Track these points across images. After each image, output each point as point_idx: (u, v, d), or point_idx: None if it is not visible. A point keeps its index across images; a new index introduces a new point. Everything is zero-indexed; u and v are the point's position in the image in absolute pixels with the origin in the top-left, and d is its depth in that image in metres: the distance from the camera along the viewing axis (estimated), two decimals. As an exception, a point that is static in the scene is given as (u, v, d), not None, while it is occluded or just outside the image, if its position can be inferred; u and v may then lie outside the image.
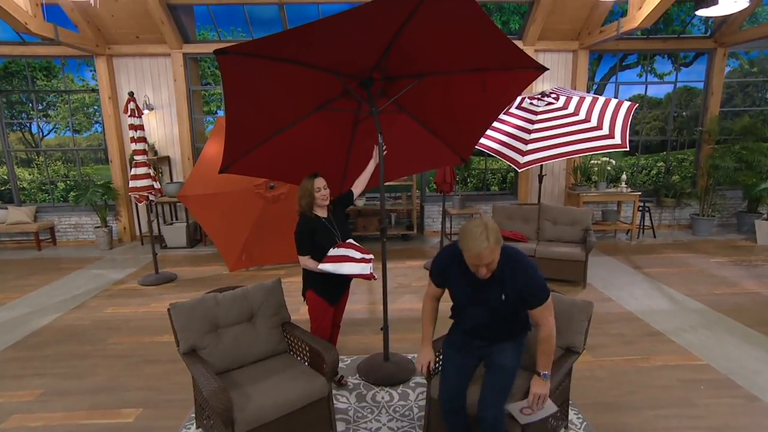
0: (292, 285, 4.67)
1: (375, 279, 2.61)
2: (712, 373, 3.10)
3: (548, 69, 2.79)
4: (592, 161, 7.08)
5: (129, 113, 4.81)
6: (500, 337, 2.16)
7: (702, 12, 4.87)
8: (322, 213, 2.75)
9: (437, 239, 6.95)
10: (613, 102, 4.88)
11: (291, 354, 2.67)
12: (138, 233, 7.32)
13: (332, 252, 2.61)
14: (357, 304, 4.47)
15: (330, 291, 2.72)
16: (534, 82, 7.04)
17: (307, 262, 2.64)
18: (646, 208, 7.12)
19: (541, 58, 7.08)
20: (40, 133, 12.19)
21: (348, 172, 3.68)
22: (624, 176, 7.00)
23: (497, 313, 2.07)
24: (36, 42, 6.56)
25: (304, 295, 2.75)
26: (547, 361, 2.03)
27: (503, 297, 2.00)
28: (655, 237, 7.00)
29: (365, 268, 2.57)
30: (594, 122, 4.72)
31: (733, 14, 6.50)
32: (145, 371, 3.25)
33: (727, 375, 3.06)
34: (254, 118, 2.76)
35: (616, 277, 5.14)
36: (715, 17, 6.92)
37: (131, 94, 4.85)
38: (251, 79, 2.44)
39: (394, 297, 4.64)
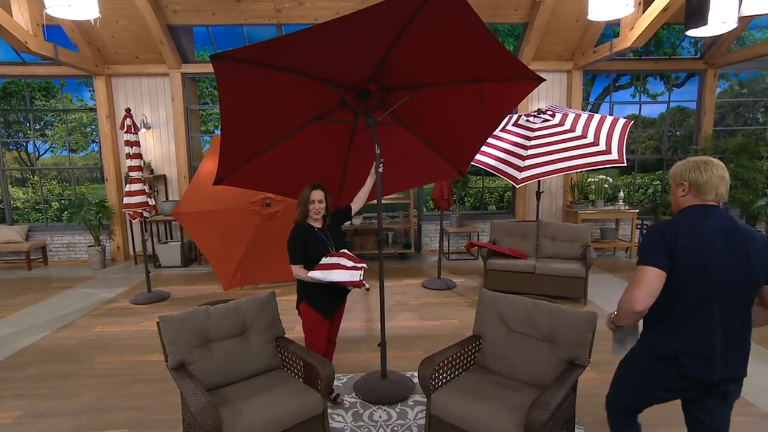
0: (288, 303, 4.54)
1: (366, 288, 2.53)
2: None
3: (545, 80, 2.81)
4: (589, 179, 7.10)
5: (125, 129, 4.80)
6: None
7: (692, 32, 4.97)
8: (316, 223, 2.70)
9: (435, 258, 6.88)
10: (609, 119, 4.92)
11: (285, 370, 2.57)
12: (132, 253, 7.21)
13: (324, 260, 2.56)
14: (354, 322, 4.37)
15: (324, 303, 2.64)
16: (530, 101, 7.18)
17: (298, 271, 2.58)
18: (645, 226, 7.10)
19: (538, 85, 7.17)
20: (36, 153, 12.21)
21: (345, 185, 3.65)
22: (621, 194, 7.01)
23: None
24: (35, 62, 6.62)
25: (298, 307, 2.67)
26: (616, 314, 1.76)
27: None
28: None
29: (355, 275, 2.50)
30: (591, 138, 4.75)
31: (722, 36, 6.65)
32: (132, 391, 3.12)
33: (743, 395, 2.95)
34: (250, 127, 2.74)
35: (617, 294, 4.97)
36: (705, 39, 7.08)
37: (128, 110, 4.86)
38: (248, 87, 2.43)
39: (391, 315, 4.55)
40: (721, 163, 1.69)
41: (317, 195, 2.66)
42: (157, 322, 2.28)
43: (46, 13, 4.21)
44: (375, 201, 3.04)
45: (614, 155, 4.55)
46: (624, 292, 1.70)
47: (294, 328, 3.87)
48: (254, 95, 2.51)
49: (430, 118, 3.25)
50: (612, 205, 7.10)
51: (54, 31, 6.12)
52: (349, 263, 2.58)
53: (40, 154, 12.79)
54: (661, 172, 7.96)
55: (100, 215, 6.76)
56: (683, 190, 1.72)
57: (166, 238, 7.26)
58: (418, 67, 2.78)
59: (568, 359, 2.30)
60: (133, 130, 4.84)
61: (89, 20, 5.32)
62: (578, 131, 4.85)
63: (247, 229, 5.04)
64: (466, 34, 2.38)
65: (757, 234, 1.66)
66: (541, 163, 4.70)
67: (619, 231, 7.28)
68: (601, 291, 5.21)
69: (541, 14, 6.21)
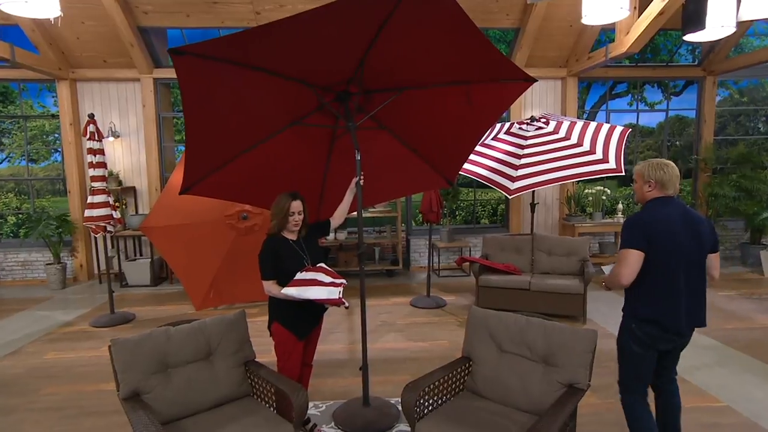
0: (264, 324, 4.43)
1: (346, 306, 2.44)
2: (734, 416, 2.94)
3: (537, 80, 2.78)
4: (586, 191, 7.12)
5: (88, 136, 4.69)
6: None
7: (689, 37, 5.05)
8: (291, 236, 2.61)
9: (424, 275, 6.80)
10: (606, 126, 4.93)
11: (254, 397, 2.44)
12: (96, 271, 7.01)
13: (299, 275, 2.46)
14: (335, 344, 4.26)
15: (298, 323, 2.54)
16: (522, 108, 7.23)
17: (270, 287, 2.48)
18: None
19: (529, 86, 7.24)
20: (-9, 162, 11.84)
21: (325, 194, 3.57)
22: (620, 206, 7.03)
23: None
24: (-8, 65, 6.50)
25: (269, 328, 2.57)
26: (606, 277, 2.36)
27: None
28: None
29: (333, 292, 2.40)
30: (587, 146, 4.75)
31: (720, 42, 6.80)
32: (83, 426, 2.95)
33: (751, 418, 2.90)
34: (218, 131, 2.66)
35: (618, 312, 4.97)
36: (703, 46, 7.23)
37: (91, 116, 4.75)
38: (214, 87, 2.35)
39: (377, 335, 4.45)
40: (674, 164, 2.30)
41: (297, 206, 2.58)
42: (109, 346, 2.15)
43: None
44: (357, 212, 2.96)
45: (612, 164, 4.55)
46: (611, 270, 2.30)
47: (270, 351, 3.72)
48: (222, 96, 2.43)
49: (415, 123, 3.21)
50: (610, 217, 7.12)
51: (12, 31, 6.02)
52: (328, 279, 2.49)
53: (-4, 164, 12.47)
54: (661, 183, 8.01)
55: (60, 230, 6.57)
56: (650, 186, 2.31)
57: (135, 255, 7.08)
58: (400, 68, 2.74)
59: (567, 383, 2.22)
60: (96, 137, 4.73)
61: (52, 21, 5.26)
62: (574, 139, 4.85)
63: (221, 245, 4.93)
64: (451, 31, 2.34)
65: (703, 218, 2.28)
66: (535, 172, 4.69)
67: (618, 245, 7.27)
68: (601, 308, 5.16)
69: (533, 19, 6.30)
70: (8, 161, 12.62)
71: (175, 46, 1.98)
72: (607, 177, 6.92)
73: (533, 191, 4.97)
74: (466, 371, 2.49)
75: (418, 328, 4.67)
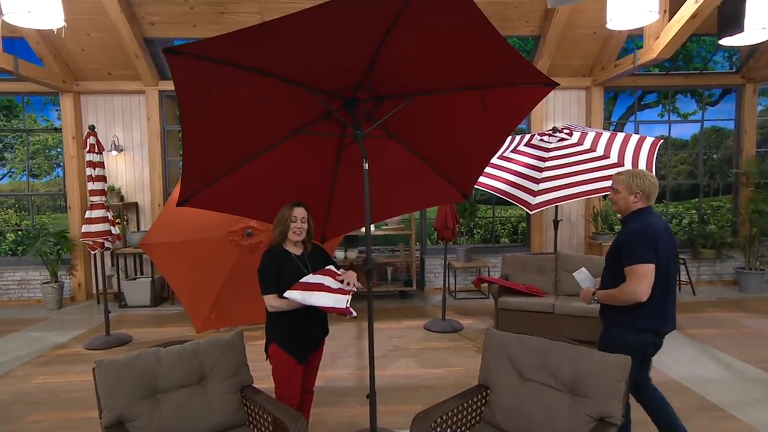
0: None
1: (354, 316, 2.35)
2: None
3: (558, 84, 2.71)
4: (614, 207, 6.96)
5: (88, 149, 4.75)
6: (604, 310, 2.59)
7: (726, 41, 4.96)
8: (294, 249, 2.56)
9: (439, 297, 6.68)
10: (635, 137, 4.84)
11: (250, 427, 2.36)
12: (95, 290, 7.04)
13: (305, 278, 2.41)
14: (343, 369, 4.18)
15: (296, 344, 2.47)
16: (544, 120, 7.17)
17: (272, 301, 2.43)
18: (681, 261, 6.90)
19: (551, 97, 7.21)
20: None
21: (333, 210, 3.54)
22: (652, 224, 6.84)
23: (606, 266, 2.61)
24: (-5, 78, 6.71)
25: (267, 350, 2.49)
26: (604, 295, 2.52)
27: (612, 243, 2.52)
28: (694, 294, 6.73)
29: (340, 300, 2.31)
30: (614, 158, 4.66)
31: (760, 47, 6.66)
32: (69, 455, 2.89)
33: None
34: (218, 140, 2.64)
35: None
36: (741, 50, 7.11)
37: (92, 127, 4.83)
38: (214, 91, 2.34)
39: (387, 361, 4.36)
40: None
41: (300, 212, 2.56)
42: (93, 369, 2.10)
43: (3, 21, 4.24)
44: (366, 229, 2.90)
45: (642, 177, 4.44)
46: (625, 287, 2.36)
47: (271, 376, 3.65)
48: (222, 101, 2.42)
49: (428, 132, 3.16)
50: (642, 236, 6.92)
51: (19, 44, 6.22)
52: (336, 285, 2.43)
53: (-3, 179, 12.78)
54: (697, 200, 7.82)
55: (59, 247, 6.64)
56: (636, 197, 2.47)
57: (136, 274, 7.11)
58: (411, 72, 2.71)
59: (597, 416, 2.09)
60: (96, 150, 4.79)
61: (55, 31, 5.41)
62: (600, 151, 4.77)
63: (224, 263, 4.91)
64: (464, 30, 2.31)
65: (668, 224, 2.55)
66: (558, 186, 4.61)
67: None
68: None
69: (554, 26, 6.28)
70: (10, 176, 12.97)
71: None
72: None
73: (556, 207, 4.88)
74: (483, 401, 2.38)
75: (432, 353, 4.58)
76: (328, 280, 2.41)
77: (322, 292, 2.34)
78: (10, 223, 11.00)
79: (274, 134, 2.91)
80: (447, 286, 5.55)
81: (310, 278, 2.43)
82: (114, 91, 6.99)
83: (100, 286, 6.92)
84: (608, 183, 4.47)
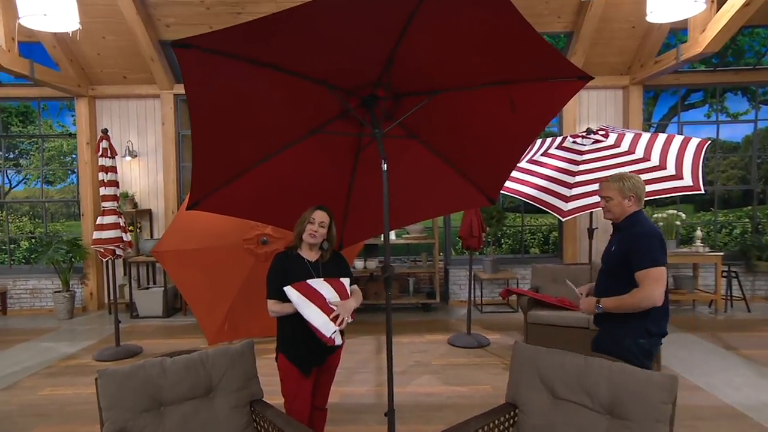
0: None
1: (334, 344, 2.43)
2: None
3: (593, 78, 2.63)
4: (655, 215, 6.78)
5: (100, 152, 4.86)
6: (603, 319, 2.61)
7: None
8: (309, 255, 2.55)
9: (464, 310, 6.59)
10: (678, 138, 4.71)
11: (258, 445, 2.32)
12: (107, 300, 7.18)
13: (311, 281, 2.43)
14: (361, 385, 4.16)
15: (300, 355, 2.46)
16: (577, 122, 7.03)
17: (272, 306, 2.47)
18: (733, 274, 6.64)
19: (585, 97, 7.09)
20: (8, 184, 12.51)
21: (350, 215, 3.51)
22: (699, 233, 6.62)
23: (606, 273, 2.63)
24: (12, 83, 6.96)
25: (277, 359, 2.47)
26: (612, 302, 2.47)
27: (613, 248, 2.55)
28: (749, 310, 6.47)
29: (328, 328, 2.35)
30: (655, 161, 4.54)
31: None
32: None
33: None
34: (230, 140, 2.65)
35: (702, 360, 4.67)
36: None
37: (105, 131, 4.94)
38: (225, 88, 2.34)
39: (408, 377, 4.33)
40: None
41: (320, 216, 2.56)
42: (96, 378, 2.10)
43: (19, 24, 4.40)
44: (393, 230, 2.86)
45: (688, 181, 4.31)
46: (640, 292, 2.38)
47: (284, 392, 3.64)
48: (233, 98, 2.43)
49: (451, 131, 3.11)
50: (687, 247, 6.72)
51: (36, 48, 6.45)
52: (333, 307, 2.44)
53: (12, 186, 13.25)
54: (750, 207, 7.53)
55: (71, 255, 6.80)
56: (629, 201, 2.54)
57: (148, 283, 7.22)
58: (432, 67, 2.67)
59: (639, 441, 1.98)
60: (109, 154, 4.90)
61: (70, 33, 5.59)
62: (639, 153, 4.66)
63: (239, 272, 4.96)
64: (489, 20, 2.26)
65: None
66: (593, 191, 4.50)
67: (698, 279, 6.83)
68: (679, 354, 4.82)
69: (588, 21, 6.18)
70: (25, 183, 13.47)
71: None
72: (681, 199, 6.57)
73: (591, 213, 4.77)
74: (511, 421, 2.29)
75: (456, 370, 4.52)
76: (329, 293, 2.43)
77: (316, 308, 2.37)
78: (24, 230, 11.39)
79: (289, 134, 2.91)
80: (473, 298, 5.47)
81: (313, 282, 2.44)
82: (129, 96, 7.17)
83: (112, 296, 7.07)
84: (649, 187, 4.33)
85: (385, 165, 2.75)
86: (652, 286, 2.34)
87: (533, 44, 2.36)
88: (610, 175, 2.64)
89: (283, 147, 2.92)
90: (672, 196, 4.58)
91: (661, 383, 2.02)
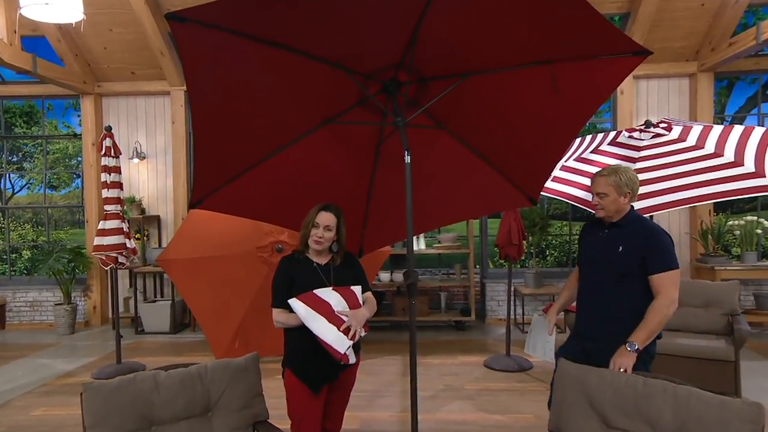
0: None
1: (348, 362, 2.40)
2: None
3: (651, 52, 2.50)
4: (730, 222, 6.51)
5: (104, 151, 4.97)
6: (609, 327, 2.55)
7: None
8: (318, 258, 2.51)
9: (502, 329, 6.46)
10: (759, 130, 4.50)
11: (261, 473, 2.27)
12: (111, 314, 7.33)
13: (318, 291, 2.39)
14: (384, 411, 4.13)
15: (308, 369, 2.43)
16: (634, 115, 6.84)
17: (277, 316, 2.45)
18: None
19: (644, 87, 6.93)
20: (11, 189, 13.03)
21: (370, 216, 3.47)
22: (784, 243, 6.31)
23: (611, 276, 2.56)
24: (16, 80, 7.24)
25: (283, 375, 2.46)
26: (643, 332, 2.42)
27: (620, 248, 2.52)
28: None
29: (342, 343, 2.32)
30: (729, 157, 4.35)
31: None
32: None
33: None
34: (235, 130, 2.65)
35: None
36: None
37: (108, 128, 5.06)
38: (229, 71, 2.34)
39: (438, 403, 4.27)
40: None
41: (325, 219, 2.50)
42: (81, 393, 2.09)
43: (21, 16, 4.56)
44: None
45: (770, 180, 4.11)
46: (664, 299, 2.46)
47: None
48: (239, 82, 2.42)
49: (484, 120, 3.05)
50: (771, 259, 6.42)
51: (40, 42, 6.70)
52: (344, 318, 2.40)
53: (15, 191, 13.81)
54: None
55: (73, 265, 6.97)
56: (626, 197, 2.59)
57: (155, 296, 7.34)
58: (462, 46, 2.60)
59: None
60: (113, 153, 5.00)
61: (74, 25, 5.78)
62: (709, 148, 4.47)
63: (251, 283, 4.99)
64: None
65: None
66: (653, 192, 4.37)
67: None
68: (763, 384, 4.63)
69: (648, 0, 6.03)
70: (28, 188, 14.01)
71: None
72: (763, 203, 6.27)
73: (650, 218, 4.60)
74: (555, 454, 2.17)
75: (492, 396, 4.45)
76: (338, 303, 2.40)
77: (326, 321, 2.34)
78: (27, 238, 11.83)
79: (301, 124, 2.90)
80: (512, 316, 5.34)
81: (321, 292, 2.41)
82: (138, 93, 7.37)
83: (121, 310, 7.21)
84: (722, 187, 4.18)
85: (408, 157, 2.69)
86: (673, 290, 2.45)
87: (579, 14, 2.26)
88: (603, 170, 2.68)
89: (295, 139, 2.91)
90: (752, 199, 4.35)
91: (742, 411, 1.87)
